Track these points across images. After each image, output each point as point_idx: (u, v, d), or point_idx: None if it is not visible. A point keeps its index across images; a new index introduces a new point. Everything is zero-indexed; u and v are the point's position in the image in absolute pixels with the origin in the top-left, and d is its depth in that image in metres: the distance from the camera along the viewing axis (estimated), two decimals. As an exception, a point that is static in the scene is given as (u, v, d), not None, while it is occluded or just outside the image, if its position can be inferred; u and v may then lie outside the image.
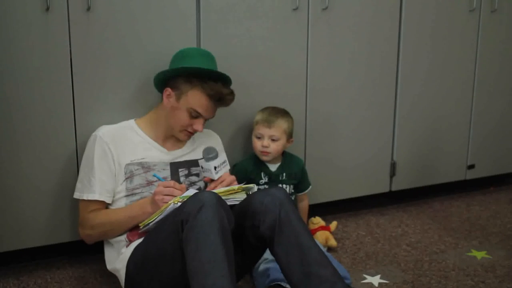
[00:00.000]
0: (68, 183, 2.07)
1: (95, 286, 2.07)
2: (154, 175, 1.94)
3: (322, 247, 2.08)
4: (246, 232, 1.78)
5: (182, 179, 2.01)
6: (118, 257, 1.90)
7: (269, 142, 2.22)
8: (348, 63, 2.54)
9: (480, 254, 2.34)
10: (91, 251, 2.16)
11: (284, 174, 2.32)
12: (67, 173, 2.08)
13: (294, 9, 2.36)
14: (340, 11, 2.46)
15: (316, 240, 2.03)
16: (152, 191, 1.93)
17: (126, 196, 1.93)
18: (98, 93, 2.08)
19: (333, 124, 2.57)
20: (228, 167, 1.99)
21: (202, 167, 1.94)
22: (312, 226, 2.42)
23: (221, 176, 1.92)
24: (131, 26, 2.09)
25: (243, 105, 2.30)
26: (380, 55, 2.61)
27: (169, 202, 1.72)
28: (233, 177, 1.94)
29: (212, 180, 1.92)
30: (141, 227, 1.82)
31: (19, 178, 2.03)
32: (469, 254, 2.34)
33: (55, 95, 2.02)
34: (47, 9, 1.95)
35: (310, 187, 2.42)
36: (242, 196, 1.83)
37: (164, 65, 2.04)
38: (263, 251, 1.88)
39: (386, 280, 2.12)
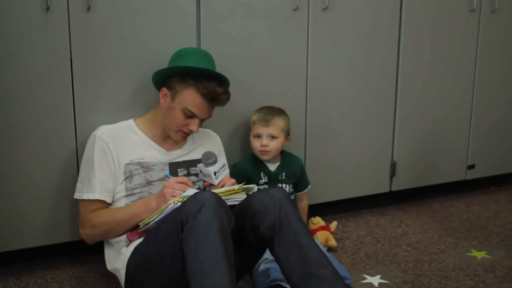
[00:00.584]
0: (68, 182, 2.07)
1: (95, 286, 2.07)
2: (166, 175, 1.94)
3: (322, 247, 2.08)
4: (246, 232, 1.78)
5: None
6: (118, 257, 1.90)
7: (268, 141, 2.23)
8: (348, 63, 2.55)
9: (480, 254, 2.34)
10: (91, 251, 2.16)
11: (284, 174, 2.32)
12: (67, 172, 2.08)
13: (294, 9, 2.36)
14: (340, 11, 2.46)
15: (316, 240, 2.04)
16: (152, 191, 1.93)
17: (126, 196, 1.93)
18: (98, 93, 2.08)
19: (333, 124, 2.57)
20: (227, 170, 1.99)
21: (201, 172, 1.93)
22: (312, 226, 2.42)
23: (221, 181, 1.92)
24: (131, 26, 2.09)
25: (243, 105, 2.31)
26: (380, 55, 2.61)
27: (169, 201, 1.72)
28: (233, 180, 1.93)
29: (211, 185, 1.92)
30: (141, 226, 1.82)
31: (19, 177, 2.03)
32: (469, 254, 2.35)
33: (55, 94, 2.02)
34: (47, 9, 1.95)
35: (310, 186, 2.43)
36: (242, 196, 1.83)
37: (164, 65, 2.04)
38: (263, 251, 1.88)
39: (386, 280, 2.12)
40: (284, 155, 2.35)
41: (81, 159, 2.00)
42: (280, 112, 2.28)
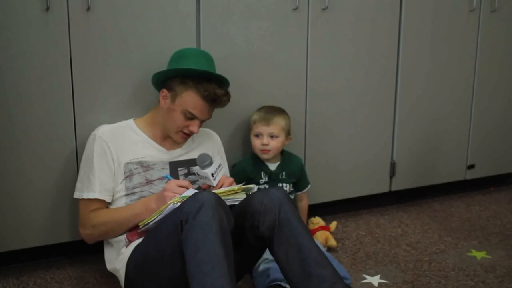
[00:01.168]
0: (68, 182, 2.07)
1: (95, 286, 2.07)
2: (166, 176, 1.94)
3: (322, 247, 2.08)
4: (246, 232, 1.78)
5: (181, 178, 2.01)
6: (118, 257, 1.90)
7: (268, 140, 2.23)
8: (348, 63, 2.54)
9: (480, 254, 2.34)
10: (91, 251, 2.16)
11: (284, 173, 2.32)
12: (67, 172, 2.08)
13: (294, 9, 2.36)
14: (340, 11, 2.46)
15: (316, 240, 2.03)
16: (152, 190, 1.93)
17: (126, 195, 1.93)
18: (98, 93, 2.08)
19: (333, 124, 2.57)
20: (224, 169, 1.99)
21: (198, 175, 1.93)
22: (312, 226, 2.42)
23: (219, 181, 1.91)
24: (131, 26, 2.09)
25: (243, 105, 2.31)
26: (380, 55, 2.61)
27: (168, 202, 1.72)
28: (231, 179, 1.93)
29: (210, 187, 1.91)
30: (140, 227, 1.82)
31: (19, 177, 2.03)
32: (469, 254, 2.35)
33: (55, 94, 2.02)
34: (47, 9, 1.95)
35: (309, 186, 2.43)
36: (241, 196, 1.83)
37: (164, 65, 2.05)
38: (263, 251, 1.88)
39: (386, 280, 2.12)
40: (284, 155, 2.35)
41: (81, 158, 2.00)
42: (280, 111, 2.28)
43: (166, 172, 1.98)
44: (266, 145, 2.23)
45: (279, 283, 1.93)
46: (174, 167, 2.01)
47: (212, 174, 1.88)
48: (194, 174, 2.02)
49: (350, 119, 2.61)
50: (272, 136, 2.24)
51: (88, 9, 2.00)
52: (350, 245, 2.43)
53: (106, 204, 1.95)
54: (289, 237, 1.72)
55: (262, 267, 2.01)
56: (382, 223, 2.68)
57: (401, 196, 2.89)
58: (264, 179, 2.29)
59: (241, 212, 1.77)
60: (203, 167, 1.89)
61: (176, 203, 1.68)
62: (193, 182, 2.02)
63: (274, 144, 2.24)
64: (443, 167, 2.91)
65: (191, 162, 2.04)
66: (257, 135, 2.26)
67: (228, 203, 1.73)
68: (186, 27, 2.18)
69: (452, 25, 2.75)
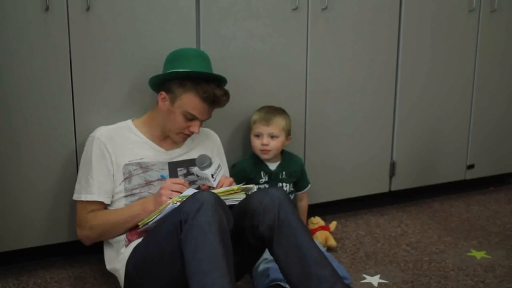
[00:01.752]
0: (67, 183, 2.07)
1: (94, 286, 2.07)
2: (162, 176, 1.94)
3: (321, 247, 2.08)
4: (246, 232, 1.78)
5: (180, 178, 2.01)
6: (118, 257, 1.90)
7: (268, 140, 2.23)
8: (348, 63, 2.55)
9: (479, 254, 2.34)
10: (90, 251, 2.16)
11: (284, 173, 2.32)
12: (67, 173, 2.08)
13: (293, 9, 2.36)
14: (340, 11, 2.46)
15: (315, 240, 2.03)
16: (151, 191, 1.93)
17: (125, 196, 1.93)
18: (98, 93, 2.08)
19: (332, 124, 2.57)
20: (223, 169, 1.99)
21: (197, 176, 1.93)
22: (311, 226, 2.42)
23: (219, 182, 1.91)
24: (130, 26, 2.09)
25: (242, 105, 2.31)
26: (379, 55, 2.61)
27: (168, 202, 1.72)
28: (230, 179, 1.93)
29: (210, 187, 1.91)
30: (140, 226, 1.82)
31: (18, 178, 2.03)
32: (469, 254, 2.35)
33: (55, 95, 2.02)
34: (47, 9, 1.95)
35: (309, 185, 2.43)
36: (241, 196, 1.83)
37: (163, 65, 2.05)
38: (263, 251, 1.88)
39: (386, 280, 2.12)
40: (284, 155, 2.35)
41: (81, 159, 2.00)
42: (281, 111, 2.28)
43: (165, 172, 1.98)
44: (266, 145, 2.23)
45: (278, 283, 1.93)
46: (173, 167, 2.01)
47: (212, 175, 1.88)
48: (193, 174, 2.02)
49: (350, 119, 2.61)
50: (272, 136, 2.24)
51: (88, 9, 2.00)
52: (350, 245, 2.43)
53: (104, 206, 1.95)
54: (289, 237, 1.72)
55: (261, 267, 2.01)
56: (381, 223, 2.68)
57: (400, 196, 2.89)
58: (264, 179, 2.29)
59: (240, 212, 1.77)
60: (202, 168, 1.89)
61: (176, 203, 1.68)
62: (192, 182, 2.02)
63: (274, 144, 2.25)
64: (442, 167, 2.91)
65: (190, 162, 2.04)
66: (257, 135, 2.26)
67: (228, 203, 1.73)
68: (186, 27, 2.18)
69: (451, 25, 2.75)
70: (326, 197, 2.64)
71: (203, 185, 1.93)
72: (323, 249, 2.17)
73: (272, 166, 2.31)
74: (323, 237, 2.36)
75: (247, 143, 2.35)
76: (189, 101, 1.92)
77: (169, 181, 1.82)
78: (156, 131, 2.02)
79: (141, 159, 1.96)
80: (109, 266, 1.96)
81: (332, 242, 2.36)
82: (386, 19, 2.59)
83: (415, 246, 2.42)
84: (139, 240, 1.85)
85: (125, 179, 1.93)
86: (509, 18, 2.89)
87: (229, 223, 1.64)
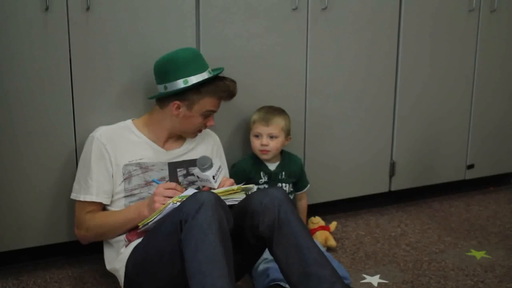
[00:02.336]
0: (67, 182, 2.07)
1: (94, 286, 2.07)
2: (154, 180, 1.94)
3: (321, 247, 2.08)
4: (245, 232, 1.78)
5: (180, 179, 2.01)
6: (117, 257, 1.90)
7: (267, 140, 2.23)
8: (348, 63, 2.54)
9: (479, 254, 2.34)
10: (90, 251, 2.16)
11: (284, 173, 2.32)
12: (67, 172, 2.08)
13: (293, 9, 2.36)
14: (340, 11, 2.46)
15: (315, 240, 2.03)
16: (151, 191, 1.93)
17: (125, 197, 1.93)
18: (98, 93, 2.08)
19: (332, 124, 2.57)
20: (224, 171, 1.99)
21: (198, 177, 1.93)
22: (311, 226, 2.42)
23: (220, 183, 1.91)
24: (130, 26, 2.09)
25: (242, 105, 2.31)
26: (379, 55, 2.61)
27: (168, 201, 1.72)
28: (231, 180, 1.93)
29: (211, 189, 1.91)
30: (140, 227, 1.82)
31: (18, 177, 2.03)
32: (469, 254, 2.35)
33: (55, 94, 2.02)
34: (47, 9, 1.95)
35: (309, 185, 2.43)
36: (241, 196, 1.82)
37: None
38: (262, 251, 1.88)
39: (386, 280, 2.12)
40: (283, 155, 2.35)
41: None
42: (280, 111, 2.28)
43: (165, 173, 1.98)
44: (266, 145, 2.23)
45: (278, 283, 1.93)
46: (173, 167, 2.01)
47: (213, 177, 1.88)
48: (193, 175, 2.02)
49: (350, 119, 2.61)
50: (271, 137, 2.24)
51: (88, 9, 2.00)
52: (350, 245, 2.43)
53: (102, 206, 1.95)
54: (289, 237, 1.72)
55: (261, 267, 2.01)
56: (381, 223, 2.68)
57: (400, 196, 2.89)
58: (264, 179, 2.29)
59: (240, 212, 1.77)
60: (203, 170, 1.89)
61: (176, 203, 1.68)
62: (192, 183, 2.03)
63: (274, 145, 2.24)
64: (442, 167, 2.91)
65: (190, 163, 2.04)
66: (256, 136, 2.26)
67: (228, 203, 1.73)
68: (186, 27, 2.18)
69: (451, 25, 2.75)
70: (326, 197, 2.64)
71: (204, 186, 1.93)
72: (323, 249, 2.17)
73: (272, 166, 2.31)
74: (323, 237, 2.36)
75: (247, 143, 2.35)
76: (208, 102, 1.96)
77: (161, 187, 1.82)
78: (158, 132, 2.01)
79: (140, 159, 1.96)
80: (109, 266, 1.96)
81: (332, 242, 2.36)
82: (386, 19, 2.59)
83: (415, 246, 2.42)
84: (139, 240, 1.85)
85: (125, 179, 1.93)
86: (509, 18, 2.89)
87: (229, 223, 1.64)
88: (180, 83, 1.92)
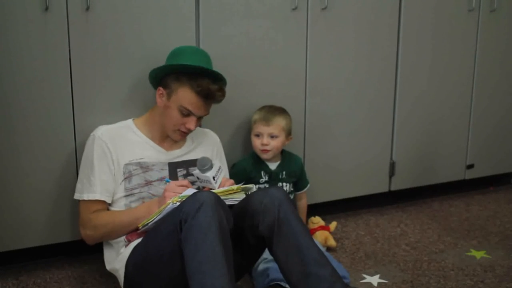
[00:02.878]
0: (67, 182, 2.07)
1: (94, 286, 2.07)
2: (167, 180, 1.93)
3: (321, 247, 2.08)
4: (245, 232, 1.78)
5: (180, 179, 2.01)
6: (117, 257, 1.90)
7: (268, 140, 2.23)
8: (347, 63, 2.55)
9: (479, 254, 2.34)
10: (90, 251, 2.16)
11: (284, 173, 2.32)
12: (66, 172, 2.08)
13: (293, 9, 2.36)
14: (340, 11, 2.46)
15: (315, 240, 2.03)
16: (151, 191, 1.93)
17: (125, 196, 1.93)
18: (97, 93, 2.08)
19: (332, 124, 2.57)
20: (224, 172, 1.99)
21: (198, 178, 1.93)
22: (311, 226, 2.42)
23: (220, 184, 1.91)
24: (130, 26, 2.09)
25: (242, 105, 2.31)
26: (379, 55, 2.61)
27: (168, 202, 1.72)
28: (231, 181, 1.93)
29: (211, 190, 1.91)
30: (140, 227, 1.82)
31: (18, 177, 2.03)
32: (468, 254, 2.35)
33: (54, 94, 2.02)
34: (46, 9, 1.95)
35: (309, 185, 2.43)
36: (241, 196, 1.82)
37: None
38: (262, 251, 1.88)
39: (385, 280, 2.12)
40: (284, 154, 2.35)
41: (80, 159, 2.00)
42: (281, 111, 2.28)
43: (165, 173, 1.98)
44: (266, 145, 2.23)
45: (278, 282, 1.93)
46: (173, 168, 2.01)
47: (214, 177, 1.88)
48: (193, 175, 2.02)
49: (350, 119, 2.61)
50: (272, 136, 2.24)
51: (87, 9, 2.00)
52: (350, 245, 2.43)
53: (106, 205, 1.95)
54: (289, 237, 1.72)
55: (261, 266, 2.02)
56: (381, 223, 2.68)
57: (400, 196, 2.89)
58: (264, 178, 2.29)
59: (240, 212, 1.77)
60: (203, 171, 1.89)
61: (175, 203, 1.68)
62: (192, 183, 2.02)
63: (274, 144, 2.25)
64: (442, 167, 2.91)
65: (190, 163, 2.04)
66: (257, 135, 2.26)
67: (227, 202, 1.73)
68: (185, 27, 2.18)
69: (451, 25, 2.75)
70: (326, 197, 2.64)
71: (204, 187, 1.93)
72: (323, 249, 2.17)
73: (272, 165, 2.31)
74: (322, 237, 2.36)
75: (247, 143, 2.35)
76: (185, 95, 1.92)
77: (173, 184, 1.82)
78: (156, 131, 2.02)
79: (141, 159, 1.96)
80: (108, 266, 1.96)
81: (331, 242, 2.36)
82: (386, 19, 2.59)
83: (414, 246, 2.42)
84: (139, 240, 1.85)
85: (125, 178, 1.93)
86: (509, 18, 2.89)
87: (229, 223, 1.64)
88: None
